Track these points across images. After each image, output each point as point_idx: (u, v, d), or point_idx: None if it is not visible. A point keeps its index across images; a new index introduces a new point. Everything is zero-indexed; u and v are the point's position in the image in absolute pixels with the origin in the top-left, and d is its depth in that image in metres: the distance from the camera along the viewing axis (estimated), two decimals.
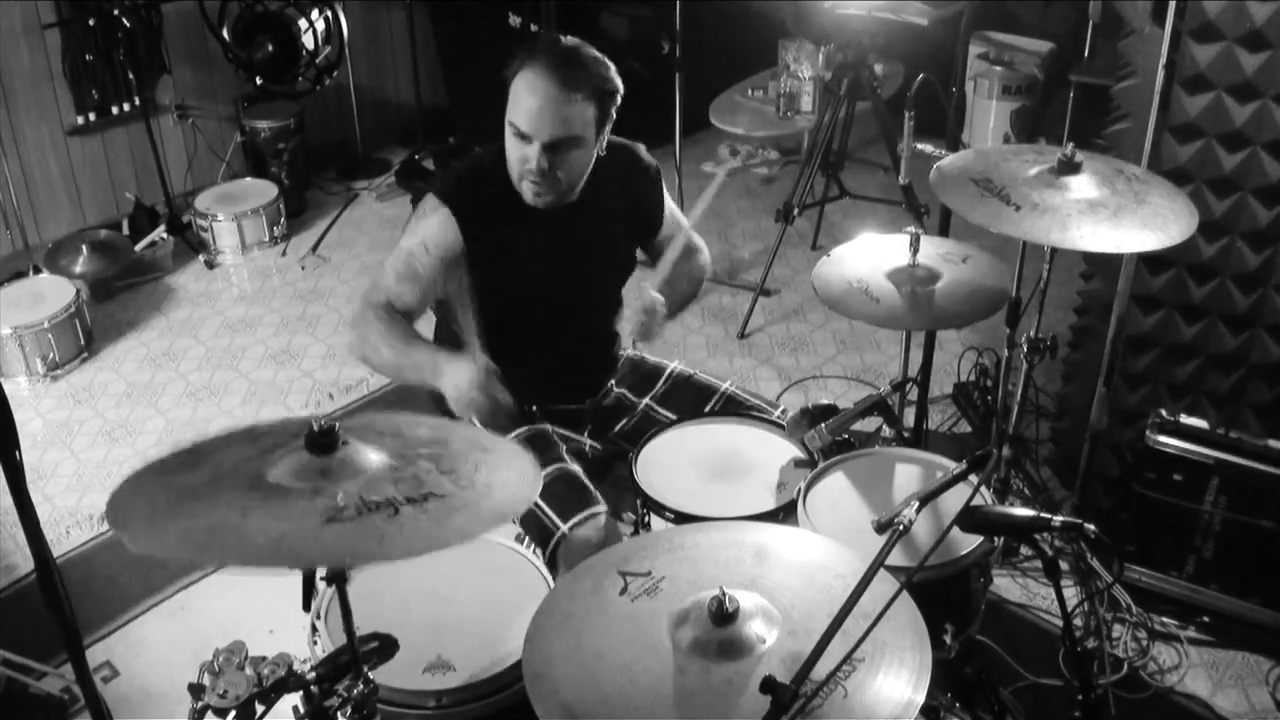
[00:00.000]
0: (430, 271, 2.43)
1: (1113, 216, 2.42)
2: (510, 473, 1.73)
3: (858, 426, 2.54)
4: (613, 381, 2.77)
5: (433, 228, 2.42)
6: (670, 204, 2.73)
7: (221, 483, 1.61)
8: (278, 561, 1.50)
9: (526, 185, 2.39)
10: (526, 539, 2.47)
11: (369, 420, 1.84)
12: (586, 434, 2.69)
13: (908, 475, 2.41)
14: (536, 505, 2.38)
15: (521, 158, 2.35)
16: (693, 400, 2.72)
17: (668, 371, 2.78)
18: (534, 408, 2.57)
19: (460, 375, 2.27)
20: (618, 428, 2.72)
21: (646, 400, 2.74)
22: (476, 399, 2.26)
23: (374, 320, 2.42)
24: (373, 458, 1.67)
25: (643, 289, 2.46)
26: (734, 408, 2.69)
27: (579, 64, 2.32)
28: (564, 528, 2.35)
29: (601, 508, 2.42)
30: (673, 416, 2.69)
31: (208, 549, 1.50)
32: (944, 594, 2.19)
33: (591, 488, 2.49)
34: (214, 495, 1.58)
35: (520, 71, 2.32)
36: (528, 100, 2.30)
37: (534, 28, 5.04)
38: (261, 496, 1.57)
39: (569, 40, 2.37)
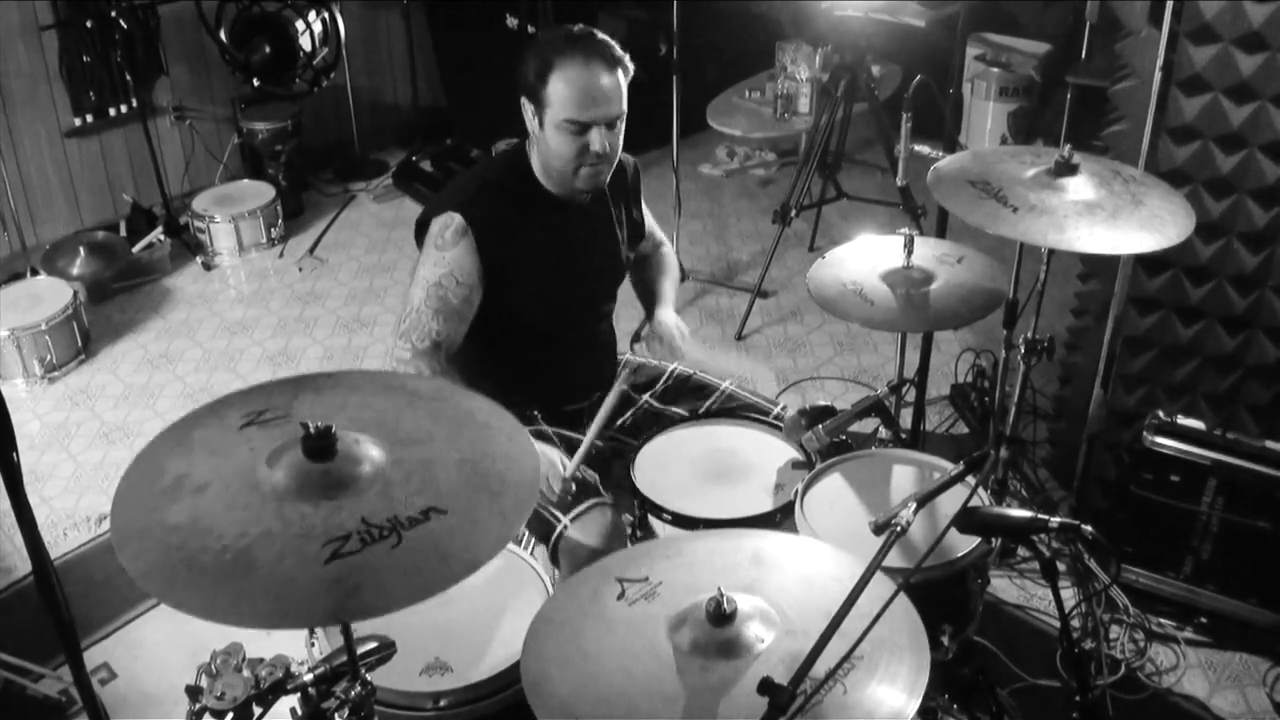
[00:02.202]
0: (464, 303, 2.42)
1: (1110, 218, 2.43)
2: (509, 462, 1.73)
3: (855, 428, 2.54)
4: (648, 397, 2.79)
5: (460, 258, 2.40)
6: (644, 205, 2.79)
7: (220, 497, 1.61)
8: (288, 624, 1.50)
9: (585, 172, 2.40)
10: (524, 540, 2.47)
11: (363, 392, 1.84)
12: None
13: (905, 476, 2.42)
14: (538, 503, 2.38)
15: (581, 148, 2.36)
16: (692, 398, 2.73)
17: (668, 372, 2.80)
18: (537, 413, 2.57)
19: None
20: (619, 423, 2.72)
21: (646, 397, 2.75)
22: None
23: (429, 374, 2.36)
24: (372, 453, 1.67)
25: (670, 323, 2.67)
26: (733, 405, 2.70)
27: (605, 43, 2.38)
28: (565, 520, 2.35)
29: (603, 499, 2.43)
30: (673, 410, 2.70)
31: (215, 607, 1.49)
32: (941, 595, 2.19)
33: (591, 482, 2.49)
34: (213, 518, 1.58)
35: (557, 64, 2.33)
36: (582, 89, 2.32)
37: (531, 29, 5.04)
38: (262, 513, 1.57)
39: (578, 28, 2.40)
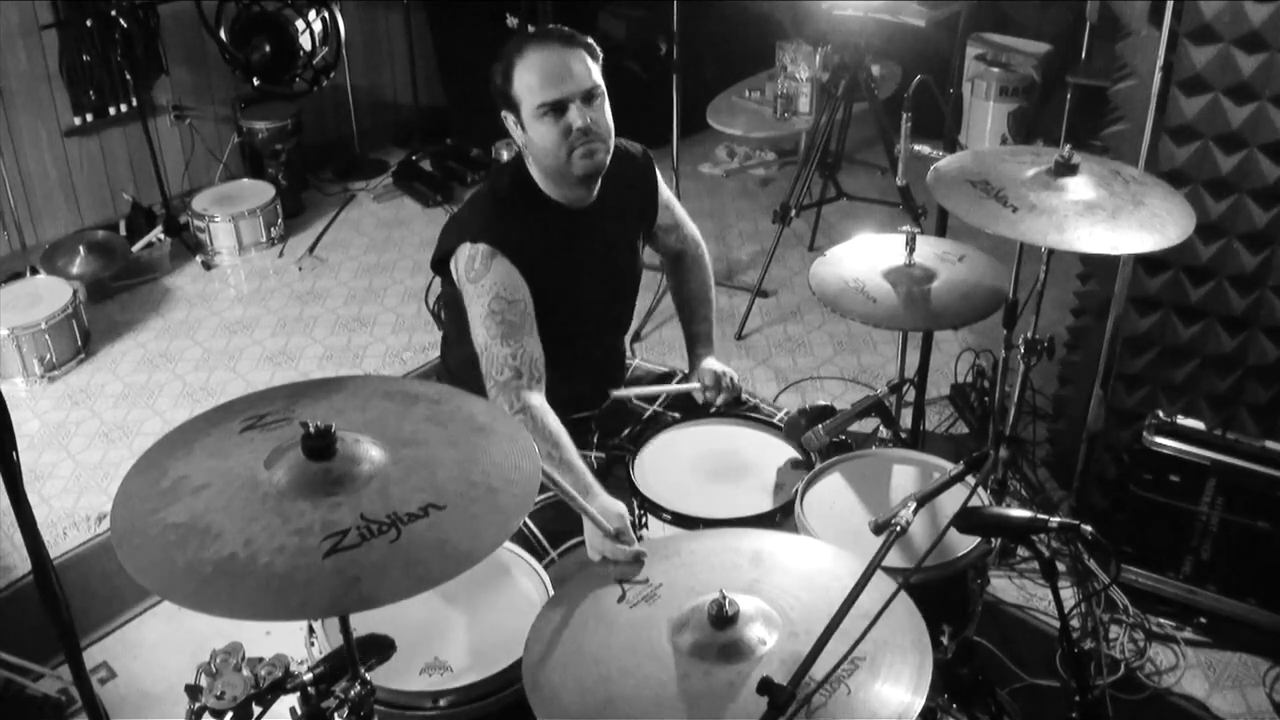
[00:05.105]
0: (521, 315, 2.37)
1: (1110, 218, 2.43)
2: (507, 460, 1.73)
3: (855, 428, 2.54)
4: (655, 405, 2.78)
5: (498, 277, 2.35)
6: (667, 193, 2.74)
7: (219, 496, 1.62)
8: (287, 616, 1.51)
9: (579, 154, 2.35)
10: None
11: (359, 394, 1.84)
12: (594, 440, 2.68)
13: (905, 476, 2.41)
14: (528, 528, 2.37)
15: (564, 129, 2.33)
16: (695, 408, 2.72)
17: (675, 379, 2.79)
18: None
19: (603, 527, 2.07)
20: (626, 433, 2.71)
21: (654, 408, 2.75)
22: (611, 554, 2.02)
23: (509, 410, 2.32)
24: (372, 452, 1.67)
25: (711, 369, 2.65)
26: (735, 408, 2.70)
27: (560, 29, 2.38)
28: (553, 554, 2.35)
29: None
30: (672, 414, 2.70)
31: (214, 601, 1.50)
32: (941, 595, 2.19)
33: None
34: (213, 516, 1.58)
35: (518, 61, 2.34)
36: (545, 71, 2.31)
37: (531, 29, 5.04)
38: (261, 511, 1.58)
39: (533, 28, 2.41)
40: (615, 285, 2.65)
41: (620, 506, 2.15)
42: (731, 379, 2.65)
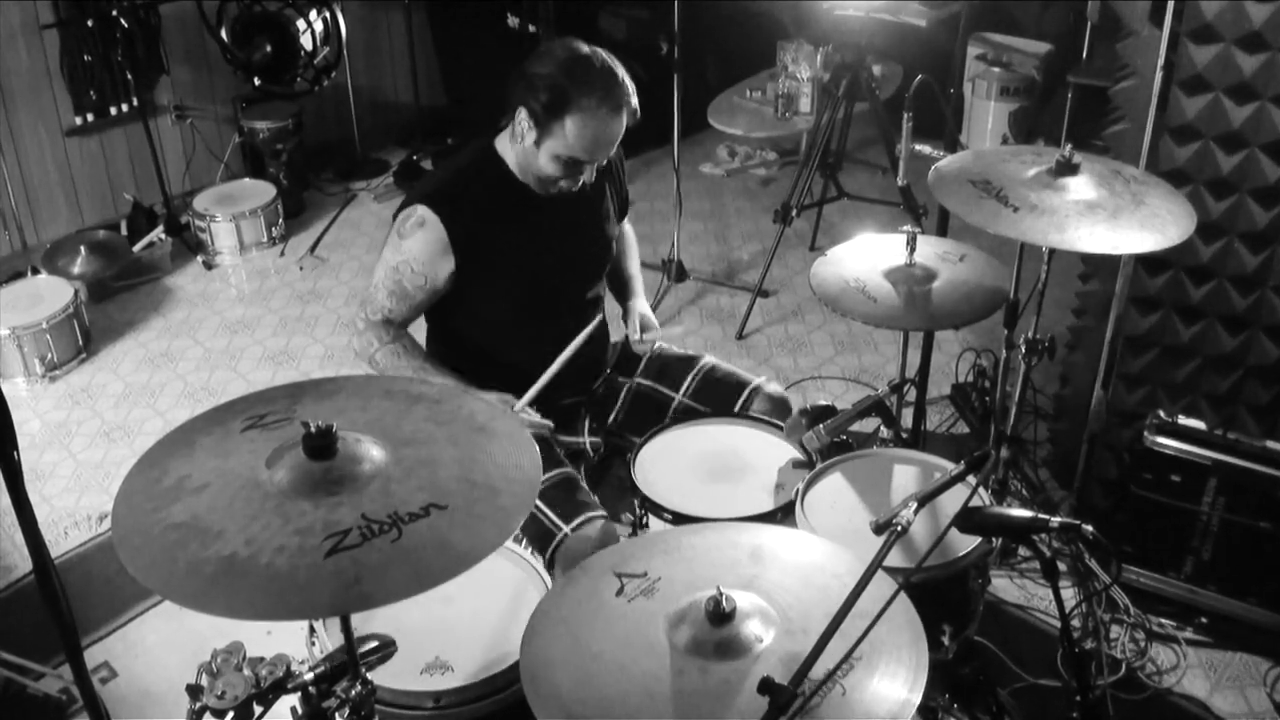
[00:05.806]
0: (418, 289, 2.49)
1: (1111, 218, 2.43)
2: (507, 460, 1.73)
3: (856, 427, 2.54)
4: (636, 377, 2.81)
5: (415, 248, 2.44)
6: None
7: (221, 495, 1.62)
8: (289, 616, 1.52)
9: (565, 183, 2.45)
10: (524, 541, 2.48)
11: (360, 394, 1.84)
12: (586, 426, 2.69)
13: (906, 476, 2.42)
14: (537, 507, 2.39)
15: (567, 174, 2.41)
16: (674, 370, 2.79)
17: (698, 366, 2.82)
18: (534, 408, 2.57)
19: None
20: (612, 418, 2.74)
21: (637, 378, 2.79)
22: (528, 424, 2.35)
23: (378, 344, 2.53)
24: (373, 452, 1.67)
25: (639, 312, 2.77)
26: (715, 377, 2.78)
27: (624, 88, 2.36)
28: (566, 529, 2.36)
29: (600, 512, 2.43)
30: (661, 390, 2.77)
31: (214, 598, 1.51)
32: (942, 595, 2.19)
33: (589, 490, 2.50)
34: (214, 516, 1.58)
35: (573, 106, 2.31)
36: (590, 137, 2.35)
37: (532, 28, 5.04)
38: (262, 510, 1.58)
39: (600, 60, 2.36)
40: (582, 262, 2.68)
41: (505, 395, 2.46)
42: (644, 317, 2.77)
